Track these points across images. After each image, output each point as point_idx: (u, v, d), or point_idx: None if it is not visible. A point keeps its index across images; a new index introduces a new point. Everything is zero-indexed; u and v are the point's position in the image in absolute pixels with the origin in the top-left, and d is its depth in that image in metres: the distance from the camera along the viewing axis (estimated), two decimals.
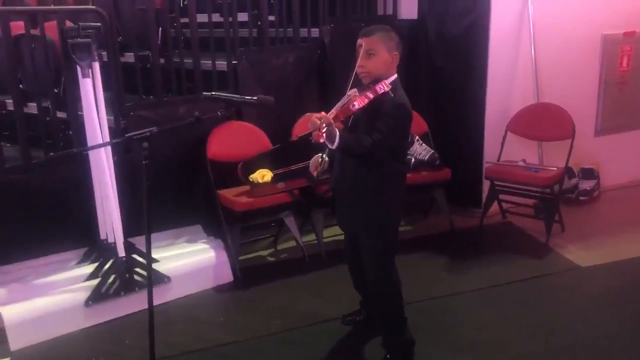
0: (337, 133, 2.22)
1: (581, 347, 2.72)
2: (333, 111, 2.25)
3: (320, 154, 2.37)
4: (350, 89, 2.32)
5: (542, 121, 4.05)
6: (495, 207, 4.15)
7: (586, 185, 4.53)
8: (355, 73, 2.37)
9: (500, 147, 4.10)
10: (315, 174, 2.43)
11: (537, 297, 3.19)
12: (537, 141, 4.27)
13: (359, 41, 2.38)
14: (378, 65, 2.36)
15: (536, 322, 2.93)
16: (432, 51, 4.36)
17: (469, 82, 4.19)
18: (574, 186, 4.51)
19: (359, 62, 2.36)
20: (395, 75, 2.42)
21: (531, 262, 3.57)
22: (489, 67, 4.08)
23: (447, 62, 4.30)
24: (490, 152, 4.16)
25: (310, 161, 2.45)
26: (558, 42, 4.29)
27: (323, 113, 2.22)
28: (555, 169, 3.87)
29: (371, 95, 2.29)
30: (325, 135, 2.20)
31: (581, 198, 4.50)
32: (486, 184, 4.13)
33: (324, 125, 2.17)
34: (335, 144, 2.23)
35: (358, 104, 2.26)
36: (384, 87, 2.31)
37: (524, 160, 4.03)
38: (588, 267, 3.50)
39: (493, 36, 4.04)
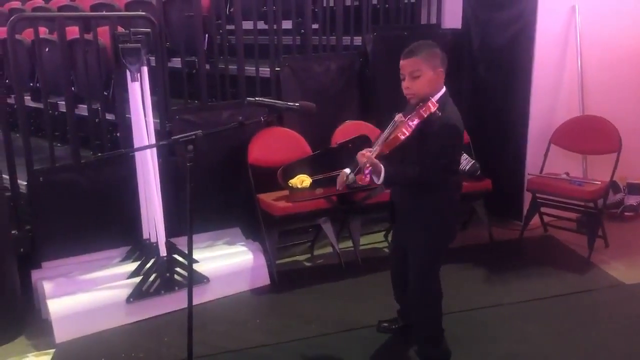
0: (382, 170, 2.23)
1: None
2: (377, 147, 2.26)
3: (347, 172, 2.35)
4: (398, 113, 2.33)
5: (587, 134, 3.97)
6: (536, 219, 4.07)
7: (632, 200, 4.41)
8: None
9: (543, 159, 4.03)
10: (339, 188, 2.42)
11: (578, 313, 3.12)
12: (582, 154, 4.18)
13: (402, 63, 2.36)
14: (424, 85, 2.33)
15: (575, 338, 2.87)
16: (475, 61, 4.33)
17: (512, 92, 4.15)
18: (619, 201, 4.39)
19: (404, 84, 2.36)
20: (444, 90, 2.38)
21: (572, 277, 3.49)
22: (534, 77, 4.03)
23: (491, 72, 4.26)
24: (532, 164, 4.09)
25: (338, 177, 2.43)
26: (605, 53, 4.20)
27: (366, 153, 2.24)
28: (599, 183, 3.78)
29: (417, 121, 2.27)
30: (368, 176, 2.23)
31: (626, 214, 4.38)
32: (527, 196, 4.06)
33: (368, 165, 2.20)
34: (381, 180, 2.24)
35: (403, 134, 2.25)
36: (430, 108, 2.28)
37: (567, 173, 3.95)
38: (632, 285, 3.40)
39: (538, 46, 3.99)
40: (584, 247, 3.75)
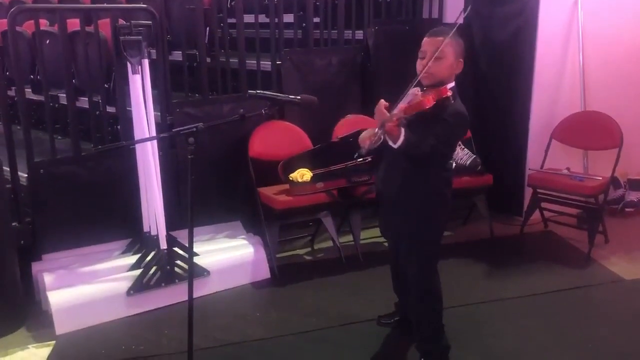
0: (403, 133, 2.13)
1: None
2: (401, 105, 2.15)
3: (375, 129, 2.16)
4: (413, 87, 2.23)
5: (589, 129, 3.96)
6: (537, 215, 4.08)
7: (633, 196, 4.41)
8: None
9: (544, 154, 4.03)
10: (366, 147, 2.20)
11: (578, 308, 3.12)
12: (583, 150, 4.18)
13: (426, 40, 2.29)
14: (443, 69, 2.27)
15: (575, 333, 2.87)
16: (477, 55, 4.32)
17: (514, 87, 4.14)
18: (620, 197, 4.39)
19: (424, 62, 2.27)
20: (454, 83, 2.34)
21: (572, 273, 3.50)
22: (535, 73, 4.02)
23: (493, 67, 4.26)
24: (533, 159, 4.09)
25: (362, 134, 2.24)
26: (607, 49, 4.19)
27: (392, 108, 2.12)
28: (600, 178, 3.78)
29: (438, 96, 2.18)
30: (389, 131, 2.09)
31: (627, 209, 4.38)
32: (528, 192, 4.06)
33: (396, 118, 2.08)
34: (400, 142, 2.12)
35: (427, 102, 2.14)
36: (447, 91, 2.22)
37: (568, 169, 3.94)
38: (632, 280, 3.40)
39: (540, 42, 3.98)
40: (584, 242, 3.76)
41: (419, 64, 2.31)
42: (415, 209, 2.40)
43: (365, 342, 2.80)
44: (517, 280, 3.40)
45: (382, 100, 2.16)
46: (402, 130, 2.13)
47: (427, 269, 2.50)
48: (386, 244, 3.88)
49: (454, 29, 2.28)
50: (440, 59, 2.26)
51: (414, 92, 2.24)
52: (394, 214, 2.52)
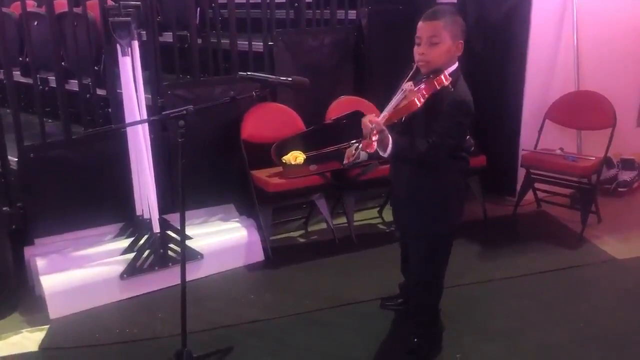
0: (390, 141, 2.02)
1: (612, 339, 2.68)
2: (385, 113, 2.06)
3: (355, 144, 2.09)
4: (406, 81, 2.13)
5: (582, 109, 3.95)
6: (530, 195, 4.08)
7: (626, 176, 4.42)
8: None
9: (538, 134, 4.02)
10: (346, 162, 2.17)
11: (570, 287, 3.14)
12: (576, 130, 4.17)
13: (421, 25, 2.16)
14: (441, 54, 2.13)
15: (568, 312, 2.89)
16: (471, 35, 4.25)
17: (507, 67, 4.11)
18: (612, 177, 4.40)
19: (420, 49, 2.15)
20: (457, 65, 2.20)
21: (565, 253, 3.51)
22: (529, 52, 3.99)
23: (486, 47, 4.22)
24: (527, 140, 4.08)
25: (347, 150, 2.19)
26: (602, 28, 4.16)
27: (375, 118, 2.01)
28: (593, 158, 3.78)
29: (428, 93, 2.06)
30: (377, 143, 1.99)
31: (620, 189, 4.39)
32: (521, 172, 4.06)
33: (375, 132, 1.96)
34: (388, 152, 2.04)
35: (415, 103, 2.03)
36: (443, 81, 2.09)
37: (561, 149, 3.94)
38: (624, 260, 3.42)
39: (534, 21, 3.94)
40: (577, 222, 3.77)
41: (416, 51, 2.20)
42: (426, 205, 2.29)
43: (359, 323, 2.81)
44: (510, 261, 3.42)
45: (368, 115, 2.05)
46: (390, 138, 2.03)
47: (435, 262, 2.42)
48: (380, 225, 3.92)
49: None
50: (436, 44, 2.14)
51: (406, 87, 2.12)
52: (403, 210, 2.45)
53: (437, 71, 2.14)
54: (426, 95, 2.07)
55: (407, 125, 2.17)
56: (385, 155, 2.06)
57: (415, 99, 2.04)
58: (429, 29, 2.14)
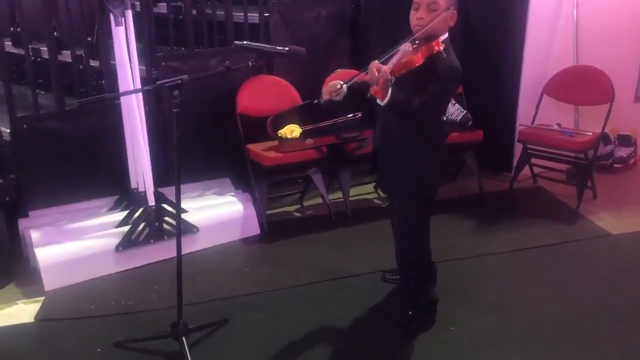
0: (390, 90, 2.08)
1: (606, 312, 2.70)
2: (389, 65, 2.11)
3: (341, 82, 2.14)
4: (404, 43, 2.18)
5: (580, 84, 3.93)
6: (526, 171, 4.08)
7: (622, 152, 4.41)
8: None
9: (535, 110, 4.00)
10: (325, 97, 2.18)
11: (565, 262, 3.16)
12: (574, 105, 4.15)
13: None
14: (438, 20, 2.20)
15: (562, 286, 2.91)
16: (468, 9, 4.22)
17: (506, 42, 4.07)
18: (609, 153, 4.40)
19: (418, 14, 2.23)
20: (447, 35, 2.28)
21: (561, 228, 3.52)
22: (528, 27, 3.95)
23: (484, 21, 4.16)
24: (524, 115, 4.06)
25: (327, 86, 2.19)
26: (602, 2, 4.11)
27: (382, 65, 2.07)
28: (590, 134, 3.77)
29: (428, 53, 2.15)
30: (382, 90, 2.05)
31: (616, 165, 4.39)
32: (518, 148, 4.05)
33: (383, 79, 2.04)
34: (386, 100, 2.09)
35: (417, 60, 2.11)
36: (437, 46, 2.18)
37: (558, 124, 3.93)
38: (618, 235, 3.43)
39: None
40: (573, 198, 3.77)
41: (413, 16, 2.26)
42: (412, 162, 2.37)
43: (354, 296, 2.83)
44: (506, 235, 3.43)
45: (376, 62, 2.10)
46: (389, 89, 2.09)
47: (415, 225, 2.49)
48: (376, 200, 3.92)
49: None
50: (434, 10, 2.21)
51: (404, 47, 2.18)
52: (390, 167, 2.48)
53: (432, 37, 2.21)
54: (425, 55, 2.15)
55: (401, 83, 2.21)
56: (383, 103, 2.11)
57: (415, 57, 2.12)
58: None
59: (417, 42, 2.22)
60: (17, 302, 2.79)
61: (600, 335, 2.56)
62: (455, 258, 3.13)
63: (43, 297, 2.81)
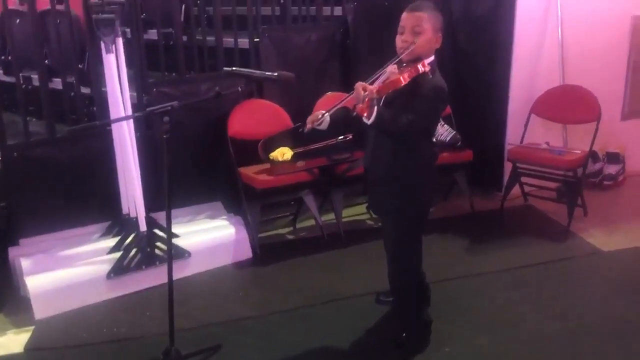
0: (376, 108, 2.13)
1: (599, 329, 2.70)
2: (375, 85, 2.17)
3: (322, 112, 2.22)
4: (390, 64, 2.23)
5: (567, 103, 3.98)
6: (516, 190, 4.11)
7: (611, 169, 4.45)
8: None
9: (524, 129, 4.04)
10: (308, 126, 2.24)
11: (557, 280, 3.17)
12: (562, 124, 4.20)
13: (405, 15, 2.30)
14: (422, 43, 2.26)
15: (555, 304, 2.91)
16: (456, 30, 4.29)
17: (493, 62, 4.13)
18: (598, 170, 4.43)
19: (403, 37, 2.28)
20: (433, 57, 2.33)
21: (552, 246, 3.54)
22: (514, 47, 4.01)
23: (472, 42, 4.23)
24: (513, 134, 4.10)
25: (311, 115, 2.25)
26: (586, 22, 4.18)
27: (369, 85, 2.13)
28: (579, 152, 3.81)
29: (414, 73, 2.20)
30: (367, 109, 2.10)
31: (605, 182, 4.43)
32: (508, 167, 4.08)
33: (369, 98, 2.09)
34: (372, 119, 2.13)
35: (402, 80, 2.15)
36: (423, 67, 2.23)
37: (547, 143, 3.97)
38: (610, 252, 3.45)
39: (519, 15, 3.96)
40: (563, 216, 3.79)
41: (398, 39, 2.32)
42: (402, 183, 2.39)
43: (348, 319, 2.81)
44: (498, 254, 3.43)
45: (362, 83, 2.14)
46: (375, 108, 2.13)
47: (407, 243, 2.49)
48: (368, 221, 3.92)
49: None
50: (418, 34, 2.26)
51: (390, 69, 2.24)
52: (381, 187, 2.49)
53: (417, 59, 2.26)
54: (411, 76, 2.19)
55: (390, 103, 2.26)
56: (369, 121, 2.14)
57: (401, 77, 2.17)
58: (413, 19, 2.27)
59: (403, 64, 2.28)
60: (7, 331, 2.76)
61: (593, 352, 2.56)
62: (448, 278, 3.13)
63: (33, 326, 2.78)
